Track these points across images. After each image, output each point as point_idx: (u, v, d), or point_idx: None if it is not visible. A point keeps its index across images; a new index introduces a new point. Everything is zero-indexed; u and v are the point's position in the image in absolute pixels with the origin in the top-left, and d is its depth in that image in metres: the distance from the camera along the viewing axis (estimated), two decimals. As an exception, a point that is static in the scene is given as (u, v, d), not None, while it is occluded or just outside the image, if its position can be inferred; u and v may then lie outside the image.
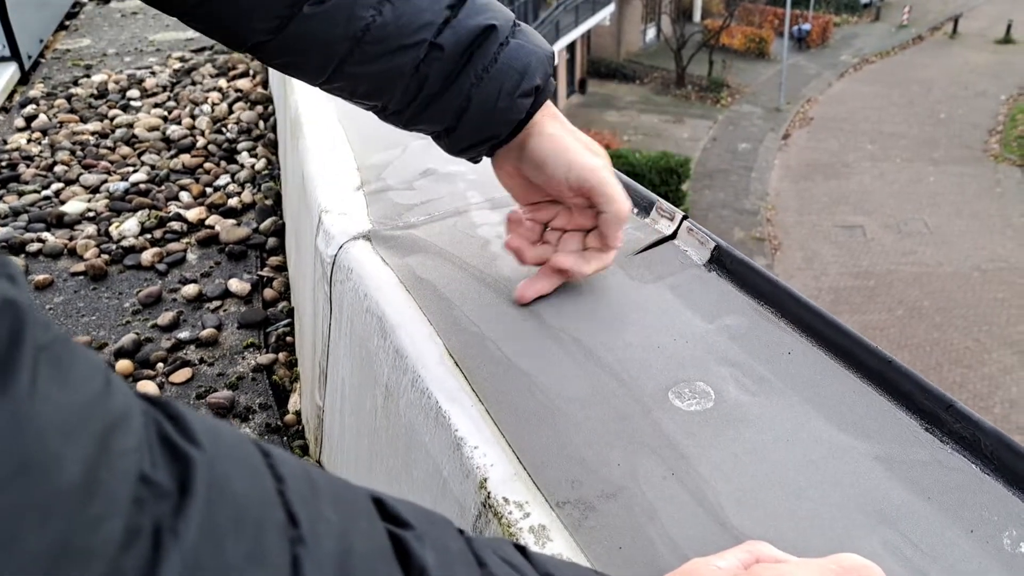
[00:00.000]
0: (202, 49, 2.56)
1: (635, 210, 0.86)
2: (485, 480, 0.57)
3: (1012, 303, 14.73)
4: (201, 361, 1.22)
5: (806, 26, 24.67)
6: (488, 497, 0.56)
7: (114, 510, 0.24)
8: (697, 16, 25.67)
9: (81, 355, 0.26)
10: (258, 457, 0.32)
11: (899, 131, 20.74)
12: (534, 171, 0.72)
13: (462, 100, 0.68)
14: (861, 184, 18.81)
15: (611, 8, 22.57)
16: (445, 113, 0.69)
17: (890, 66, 24.45)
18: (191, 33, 2.76)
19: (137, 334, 1.27)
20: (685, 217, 0.80)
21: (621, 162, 17.32)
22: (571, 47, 21.87)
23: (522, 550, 0.42)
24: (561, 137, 0.71)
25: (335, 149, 1.09)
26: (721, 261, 0.76)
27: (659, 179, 16.75)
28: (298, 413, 1.13)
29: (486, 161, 1.04)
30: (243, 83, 2.20)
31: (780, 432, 0.59)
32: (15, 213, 1.65)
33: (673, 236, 0.80)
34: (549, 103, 0.72)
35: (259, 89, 2.17)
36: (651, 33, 25.28)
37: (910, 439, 0.56)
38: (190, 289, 1.38)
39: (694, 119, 21.60)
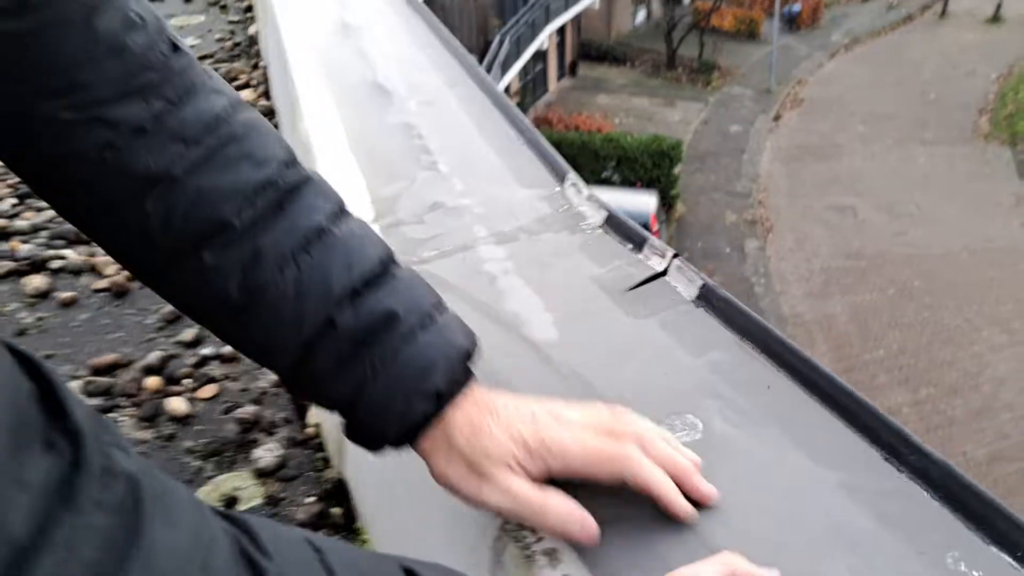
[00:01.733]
0: (203, 58, 2.61)
1: (629, 245, 0.94)
2: (502, 508, 0.65)
3: (1001, 282, 14.87)
4: (225, 377, 1.30)
5: (796, 7, 24.66)
6: (505, 522, 0.65)
7: None
8: (687, -3, 25.62)
9: (180, 495, 0.35)
10: (313, 557, 0.41)
11: (890, 112, 20.81)
12: None
13: (349, 399, 0.62)
14: (852, 165, 18.89)
15: (601, -10, 22.51)
16: (335, 405, 0.63)
17: (881, 46, 24.49)
18: (191, 39, 2.81)
19: (163, 350, 1.35)
20: (676, 255, 0.88)
21: (613, 145, 17.35)
22: (561, 30, 21.84)
23: None
24: (466, 459, 0.61)
25: (349, 180, 1.17)
26: (708, 298, 0.84)
27: (651, 162, 16.80)
28: (318, 426, 1.21)
29: (492, 195, 1.11)
30: (246, 94, 2.27)
31: (760, 462, 0.67)
32: (35, 229, 1.72)
33: (664, 272, 0.88)
34: (467, 402, 0.63)
35: (263, 101, 2.23)
36: (641, 15, 25.25)
37: (872, 469, 0.65)
38: (208, 306, 1.45)
39: (685, 101, 21.64)
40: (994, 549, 0.58)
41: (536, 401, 0.65)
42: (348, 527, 1.08)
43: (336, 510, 1.09)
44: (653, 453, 0.61)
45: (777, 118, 20.91)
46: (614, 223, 0.98)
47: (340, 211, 0.66)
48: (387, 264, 0.64)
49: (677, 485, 0.61)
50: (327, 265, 0.61)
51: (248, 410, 1.21)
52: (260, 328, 0.62)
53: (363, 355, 0.60)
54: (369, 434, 0.63)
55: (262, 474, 1.15)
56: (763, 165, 19.00)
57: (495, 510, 0.62)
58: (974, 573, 0.56)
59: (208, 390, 1.27)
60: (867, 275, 15.09)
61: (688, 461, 0.63)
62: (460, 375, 0.63)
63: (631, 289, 0.88)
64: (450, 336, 0.64)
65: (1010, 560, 0.57)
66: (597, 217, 1.00)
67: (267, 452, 1.16)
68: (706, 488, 0.62)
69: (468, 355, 0.65)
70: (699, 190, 17.94)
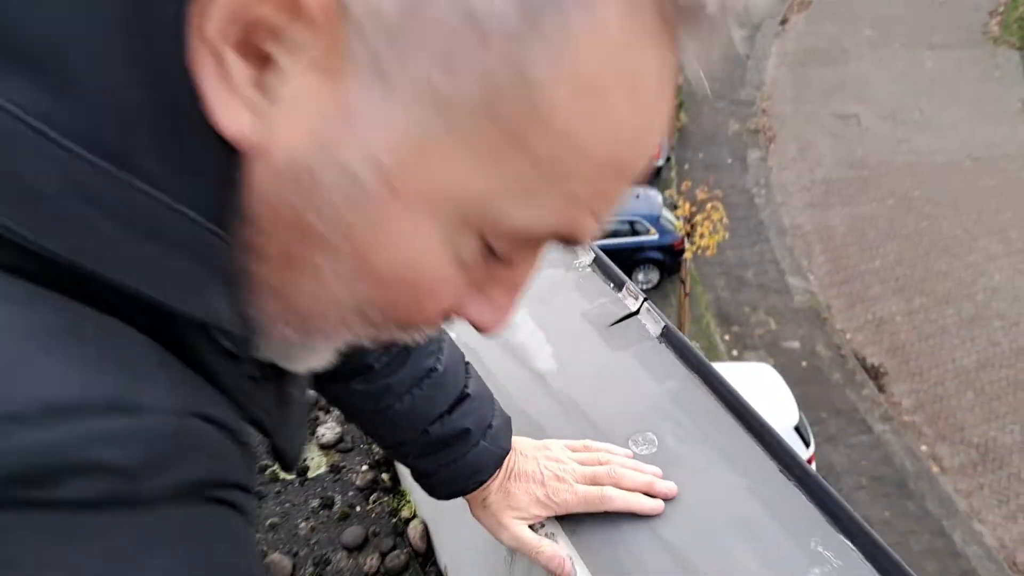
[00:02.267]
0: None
1: (611, 284, 1.22)
2: (518, 505, 0.95)
3: (1002, 191, 14.97)
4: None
5: (807, -97, 23.85)
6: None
7: None
8: None
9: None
10: None
11: (898, 13, 20.45)
12: None
13: (427, 472, 0.89)
14: (859, 70, 18.71)
15: None
16: (415, 469, 0.91)
17: (892, -56, 23.80)
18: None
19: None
20: (646, 299, 1.16)
21: (617, 54, 17.15)
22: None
23: None
24: (493, 513, 0.90)
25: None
26: (668, 336, 1.12)
27: (655, 72, 16.66)
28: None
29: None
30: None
31: (696, 470, 0.96)
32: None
33: (637, 312, 1.16)
34: (501, 473, 0.90)
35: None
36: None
37: (770, 478, 0.94)
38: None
39: (691, 5, 21.22)
40: (841, 537, 0.88)
41: (542, 452, 0.95)
42: (395, 489, 1.40)
43: (385, 475, 1.41)
44: (626, 486, 0.91)
45: (784, 21, 20.62)
46: (600, 263, 1.25)
47: (441, 345, 0.87)
48: (466, 384, 0.89)
49: (646, 493, 0.92)
50: (432, 396, 0.86)
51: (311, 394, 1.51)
52: (377, 427, 0.91)
53: (442, 453, 0.88)
54: (432, 492, 0.92)
55: (324, 447, 1.46)
56: (768, 71, 18.87)
57: (506, 546, 0.92)
58: (826, 553, 0.87)
59: (275, 375, 1.56)
60: (868, 185, 15.23)
61: (650, 476, 0.93)
62: (500, 463, 0.90)
63: (612, 325, 1.16)
64: (499, 441, 0.89)
65: (851, 544, 0.87)
66: (586, 258, 1.27)
67: (328, 430, 1.46)
68: (667, 488, 0.93)
69: (508, 450, 0.91)
70: (702, 99, 17.86)
